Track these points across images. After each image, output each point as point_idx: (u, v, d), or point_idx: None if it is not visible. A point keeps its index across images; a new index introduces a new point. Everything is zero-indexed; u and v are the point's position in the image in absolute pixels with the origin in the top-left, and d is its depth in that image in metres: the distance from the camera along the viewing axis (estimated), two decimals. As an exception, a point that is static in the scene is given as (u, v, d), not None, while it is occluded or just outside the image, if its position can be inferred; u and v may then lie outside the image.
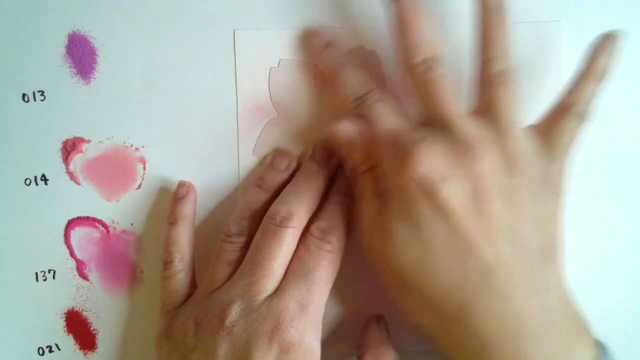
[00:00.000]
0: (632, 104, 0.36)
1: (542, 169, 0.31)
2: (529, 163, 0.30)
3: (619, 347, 0.36)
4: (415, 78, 0.31)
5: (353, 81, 0.33)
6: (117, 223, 0.36)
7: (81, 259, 0.36)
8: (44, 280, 0.36)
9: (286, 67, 0.36)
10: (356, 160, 0.33)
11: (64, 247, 0.36)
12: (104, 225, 0.36)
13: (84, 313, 0.37)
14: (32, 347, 0.37)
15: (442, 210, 0.29)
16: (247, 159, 0.36)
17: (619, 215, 0.36)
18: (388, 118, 0.32)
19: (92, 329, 0.37)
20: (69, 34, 0.35)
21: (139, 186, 0.36)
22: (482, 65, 0.31)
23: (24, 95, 0.36)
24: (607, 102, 0.36)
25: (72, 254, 0.36)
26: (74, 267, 0.36)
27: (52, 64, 0.35)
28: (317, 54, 0.35)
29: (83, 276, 0.37)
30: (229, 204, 0.36)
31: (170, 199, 0.36)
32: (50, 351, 0.37)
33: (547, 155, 0.31)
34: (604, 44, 0.32)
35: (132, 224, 0.36)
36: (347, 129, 0.32)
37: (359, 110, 0.33)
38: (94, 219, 0.36)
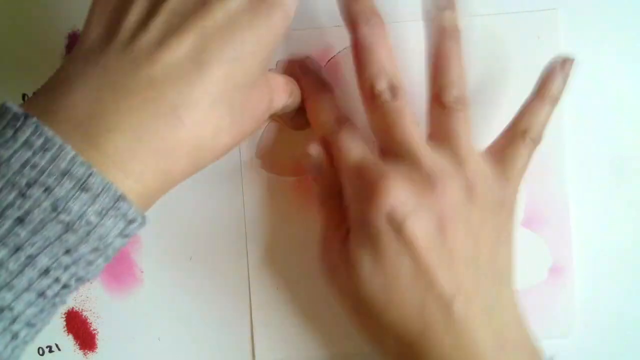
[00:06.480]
0: (632, 103, 0.36)
1: (497, 193, 0.31)
2: (487, 189, 0.31)
3: (619, 347, 0.36)
4: (376, 107, 0.31)
5: (327, 107, 0.33)
6: (117, 222, 0.36)
7: (81, 258, 0.36)
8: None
9: (283, 68, 0.36)
10: (323, 186, 0.33)
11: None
12: (104, 224, 0.36)
13: (84, 313, 0.36)
14: (32, 347, 0.35)
15: (407, 244, 0.29)
16: (249, 162, 0.36)
17: (619, 215, 0.36)
18: (355, 149, 0.32)
19: (92, 329, 0.36)
20: (69, 34, 0.36)
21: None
22: (437, 91, 0.31)
23: (24, 95, 0.36)
24: (607, 102, 0.36)
25: (72, 253, 0.36)
26: (74, 267, 0.36)
27: (52, 64, 0.35)
28: (298, 80, 0.35)
29: (83, 276, 0.36)
30: (232, 207, 0.36)
31: (168, 200, 0.35)
32: (50, 351, 0.36)
33: (502, 179, 0.31)
34: (558, 68, 0.32)
35: (132, 223, 0.36)
36: (316, 152, 0.33)
37: (328, 137, 0.33)
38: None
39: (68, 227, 0.23)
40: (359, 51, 0.31)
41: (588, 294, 0.36)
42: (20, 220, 0.23)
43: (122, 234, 0.25)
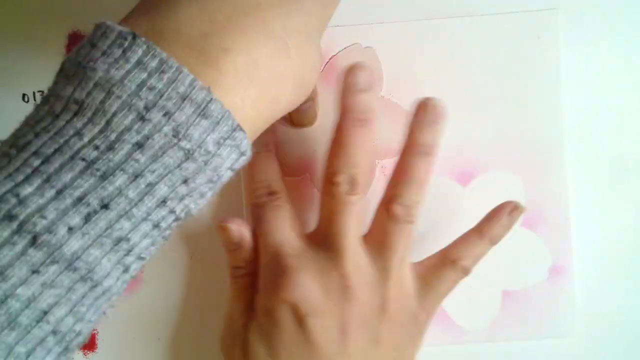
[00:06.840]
0: (632, 103, 0.36)
1: (413, 310, 0.31)
2: (404, 306, 0.31)
3: (619, 346, 0.36)
4: (331, 193, 0.30)
5: (264, 176, 0.33)
6: (117, 222, 0.36)
7: (81, 258, 0.36)
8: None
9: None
10: (236, 262, 0.33)
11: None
12: (103, 224, 0.36)
13: (84, 313, 0.36)
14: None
15: (305, 342, 0.29)
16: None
17: (619, 215, 0.36)
18: (279, 231, 0.31)
19: (92, 328, 0.36)
20: (69, 34, 0.36)
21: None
22: (390, 198, 0.31)
23: (24, 95, 0.36)
24: (607, 101, 0.36)
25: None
26: (74, 267, 0.36)
27: (52, 64, 0.35)
28: None
29: (83, 276, 0.36)
30: (232, 207, 0.36)
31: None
32: (50, 351, 0.36)
33: (420, 299, 0.31)
34: (506, 213, 0.32)
35: (132, 223, 0.36)
36: (237, 230, 0.32)
37: (256, 207, 0.32)
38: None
39: (188, 155, 0.22)
40: (338, 142, 0.30)
41: (588, 294, 0.36)
42: (139, 145, 0.21)
43: (232, 167, 0.23)
